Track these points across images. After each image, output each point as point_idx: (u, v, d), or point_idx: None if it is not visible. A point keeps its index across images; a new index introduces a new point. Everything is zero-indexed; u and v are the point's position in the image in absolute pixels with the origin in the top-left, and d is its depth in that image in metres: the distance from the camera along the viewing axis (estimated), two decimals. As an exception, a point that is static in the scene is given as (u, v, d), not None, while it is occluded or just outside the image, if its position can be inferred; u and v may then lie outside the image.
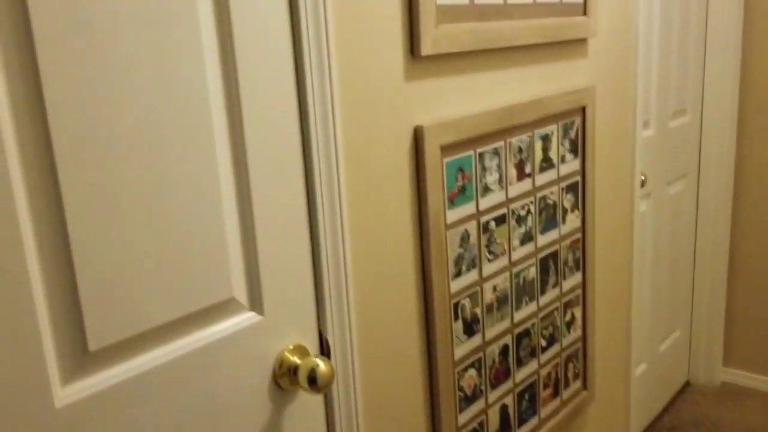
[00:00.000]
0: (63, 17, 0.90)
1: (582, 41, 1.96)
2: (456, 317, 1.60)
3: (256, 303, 1.21)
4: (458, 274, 1.59)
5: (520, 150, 1.75)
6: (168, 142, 1.03)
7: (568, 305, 2.03)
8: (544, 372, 1.95)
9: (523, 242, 1.80)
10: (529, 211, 1.81)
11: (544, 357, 1.94)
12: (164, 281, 1.05)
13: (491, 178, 1.66)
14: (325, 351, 1.32)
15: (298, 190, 1.24)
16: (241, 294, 1.18)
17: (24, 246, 0.89)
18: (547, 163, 1.86)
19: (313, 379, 1.20)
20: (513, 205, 1.75)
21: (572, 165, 1.97)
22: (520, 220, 1.78)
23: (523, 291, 1.83)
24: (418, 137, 1.46)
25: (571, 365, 2.08)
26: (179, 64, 1.03)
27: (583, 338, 2.13)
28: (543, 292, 1.91)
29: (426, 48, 1.42)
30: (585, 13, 1.92)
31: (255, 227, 1.17)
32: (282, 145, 1.20)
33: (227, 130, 1.12)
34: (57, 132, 0.91)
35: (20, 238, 0.88)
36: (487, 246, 1.68)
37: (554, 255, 1.93)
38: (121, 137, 0.97)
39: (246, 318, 1.20)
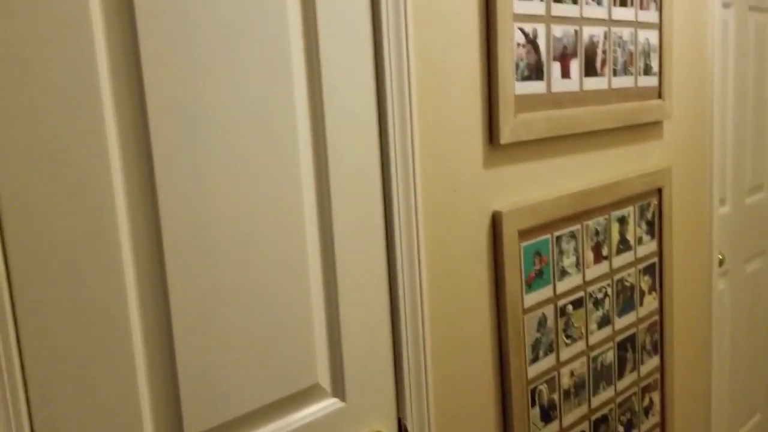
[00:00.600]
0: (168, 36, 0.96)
1: (657, 123, 1.97)
2: (533, 403, 1.58)
3: (339, 389, 1.23)
4: (536, 359, 1.58)
5: (597, 232, 1.75)
6: (262, 227, 1.08)
7: (646, 390, 1.98)
8: (622, 459, 1.90)
9: (600, 326, 1.78)
10: (606, 294, 1.80)
11: (622, 444, 1.89)
12: (256, 368, 1.08)
13: (568, 261, 1.66)
14: (404, 437, 1.33)
15: (380, 275, 1.27)
16: (325, 380, 1.20)
17: (132, 338, 0.94)
18: (624, 245, 1.85)
19: (394, 468, 1.21)
20: (590, 288, 1.74)
21: (649, 246, 1.95)
22: (597, 303, 1.76)
23: (601, 376, 1.79)
24: (496, 222, 1.48)
25: (649, 452, 2.01)
26: (276, 156, 1.09)
27: (662, 424, 2.07)
28: (620, 376, 1.87)
29: (505, 137, 1.46)
30: (660, 96, 1.93)
31: (339, 314, 1.20)
32: (366, 230, 1.23)
33: (317, 216, 1.16)
34: (169, 247, 0.96)
35: (129, 329, 0.93)
36: (565, 330, 1.66)
37: (632, 338, 1.90)
38: (222, 236, 1.02)
39: (329, 404, 1.22)
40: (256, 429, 1.11)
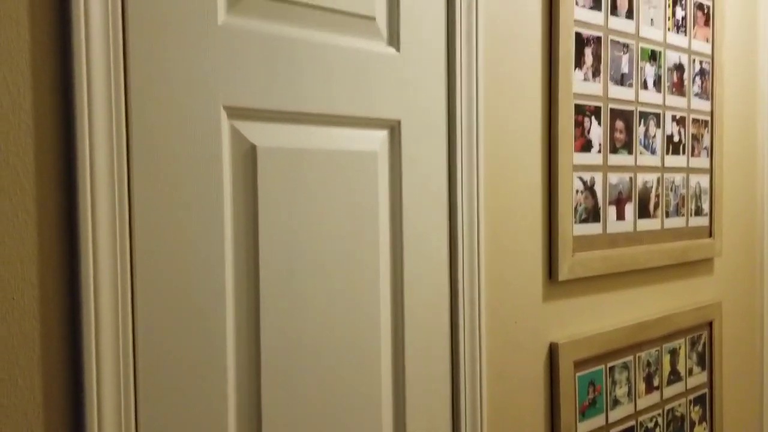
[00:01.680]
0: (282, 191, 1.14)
1: (708, 260, 2.08)
2: None
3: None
4: (587, 485, 1.66)
5: (649, 364, 1.85)
6: (344, 352, 1.23)
7: None
8: None
9: (650, 455, 1.85)
10: (657, 424, 1.87)
11: None
12: (334, 483, 1.21)
13: (620, 391, 1.76)
14: None
15: (444, 397, 1.39)
16: (392, 495, 1.32)
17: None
18: (674, 376, 1.93)
19: None
20: (641, 418, 1.82)
21: (700, 377, 2.03)
22: (648, 432, 1.84)
23: (651, 504, 1.85)
24: (553, 353, 1.60)
25: None
26: (360, 293, 1.25)
27: None
28: (671, 506, 1.91)
29: (563, 274, 1.60)
30: (711, 235, 2.05)
31: (406, 421, 1.33)
32: (434, 357, 1.37)
33: (391, 346, 1.31)
34: (266, 371, 1.13)
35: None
36: (616, 458, 1.74)
37: (682, 468, 1.95)
38: (310, 360, 1.18)
39: None
40: None
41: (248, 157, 1.11)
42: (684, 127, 1.96)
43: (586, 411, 1.67)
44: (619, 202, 1.76)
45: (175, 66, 1.02)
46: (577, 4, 1.60)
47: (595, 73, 1.67)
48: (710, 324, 2.07)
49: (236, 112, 1.10)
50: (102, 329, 0.94)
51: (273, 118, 1.14)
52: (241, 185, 1.11)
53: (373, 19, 1.26)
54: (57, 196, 0.91)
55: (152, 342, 1.01)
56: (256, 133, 1.12)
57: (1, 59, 0.86)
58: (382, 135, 1.30)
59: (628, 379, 1.78)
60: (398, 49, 1.30)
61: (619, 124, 1.75)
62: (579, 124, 1.63)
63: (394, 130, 1.31)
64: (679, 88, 1.93)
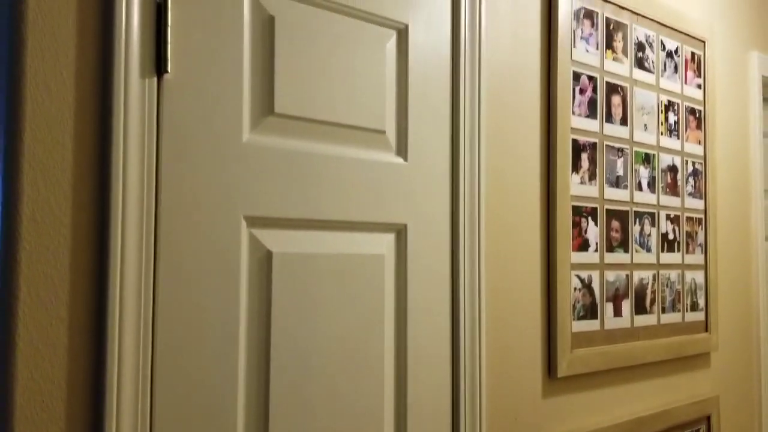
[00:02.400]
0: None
1: (705, 354, 2.13)
2: None
3: None
4: None
5: (647, 458, 1.87)
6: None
7: None
8: None
9: None
10: None
11: None
12: None
13: (619, 487, 1.78)
14: None
15: (448, 498, 1.43)
16: None
17: None
18: (673, 471, 1.96)
19: None
20: None
21: (699, 472, 2.04)
22: None
23: None
24: (552, 448, 1.64)
25: None
26: (365, 387, 1.31)
27: None
28: None
29: (562, 371, 1.65)
30: (707, 329, 2.11)
31: None
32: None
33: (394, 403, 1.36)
34: None
35: None
36: None
37: None
38: (321, 456, 1.23)
39: None
40: None
41: (264, 261, 1.19)
42: (678, 225, 2.04)
43: (586, 507, 1.69)
44: (617, 299, 1.82)
45: (202, 180, 1.11)
46: (573, 113, 1.71)
47: (592, 176, 1.76)
48: (708, 418, 2.10)
49: (255, 221, 1.18)
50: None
51: (289, 225, 1.23)
52: (257, 288, 1.18)
53: (383, 132, 1.36)
54: (87, 291, 0.98)
55: (169, 441, 1.06)
56: (273, 239, 1.20)
57: (48, 180, 0.95)
58: (389, 238, 1.38)
59: (627, 474, 1.81)
60: (406, 159, 1.40)
61: (615, 223, 1.83)
62: (576, 225, 1.72)
63: (401, 233, 1.39)
64: (673, 188, 2.02)
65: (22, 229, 0.93)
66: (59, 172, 0.96)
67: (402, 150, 1.40)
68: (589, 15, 1.77)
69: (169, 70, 1.05)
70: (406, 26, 1.39)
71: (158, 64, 1.05)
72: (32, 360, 0.93)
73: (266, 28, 1.19)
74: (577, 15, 1.73)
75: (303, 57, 1.23)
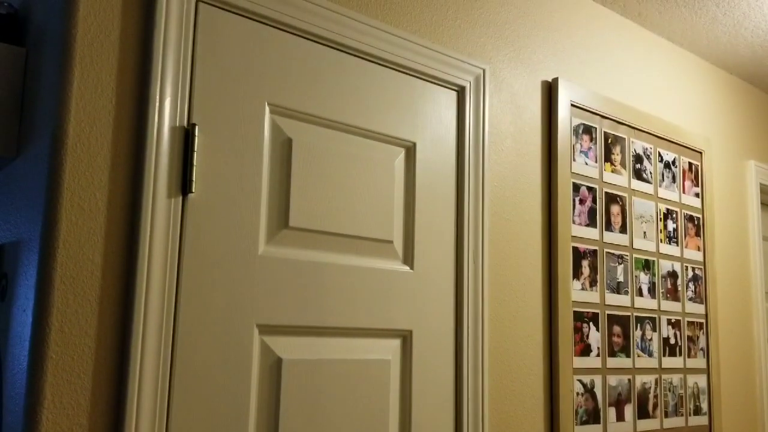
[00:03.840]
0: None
1: (710, 460, 2.13)
2: None
3: None
4: None
5: None
6: None
7: None
8: None
9: None
10: None
11: None
12: None
13: None
14: None
15: None
16: None
17: None
18: None
19: None
20: None
21: None
22: None
23: None
24: None
25: None
26: None
27: None
28: None
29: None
30: (711, 435, 2.11)
31: None
32: None
33: None
34: None
35: None
36: None
37: None
38: None
39: None
40: None
41: (274, 367, 1.24)
42: (679, 329, 2.08)
43: None
44: (619, 404, 1.85)
45: (219, 291, 1.18)
46: (574, 222, 1.79)
47: (592, 282, 1.82)
48: None
49: (267, 329, 1.24)
50: None
51: (299, 332, 1.29)
52: (267, 392, 1.23)
53: (390, 242, 1.43)
54: (107, 398, 1.04)
55: None
56: (283, 346, 1.26)
57: (77, 294, 1.02)
58: (395, 344, 1.43)
59: None
60: (412, 267, 1.47)
61: (617, 328, 1.87)
62: (578, 330, 1.76)
63: (406, 339, 1.44)
64: (673, 294, 2.07)
65: (50, 339, 1.00)
66: (88, 287, 1.04)
67: (408, 258, 1.47)
68: (588, 130, 1.87)
69: (194, 190, 1.14)
70: (414, 144, 1.49)
71: (184, 184, 1.14)
72: (52, 466, 0.98)
73: (284, 149, 1.29)
74: (576, 130, 1.83)
75: (317, 174, 1.32)
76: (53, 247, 1.01)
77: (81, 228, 1.04)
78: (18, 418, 1.00)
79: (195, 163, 1.14)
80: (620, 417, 1.85)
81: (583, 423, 1.74)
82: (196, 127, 1.15)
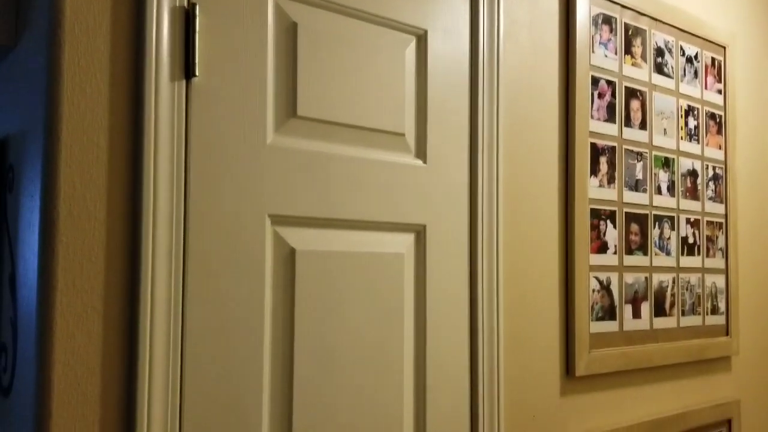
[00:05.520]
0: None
1: (726, 358, 2.13)
2: None
3: None
4: None
5: (666, 460, 1.88)
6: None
7: None
8: None
9: None
10: None
11: None
12: None
13: (638, 488, 1.79)
14: None
15: (466, 493, 1.46)
16: None
17: None
18: (693, 474, 1.96)
19: None
20: None
21: (720, 476, 2.04)
22: None
23: None
24: (570, 447, 1.66)
25: None
26: (386, 381, 1.35)
27: None
28: None
29: (580, 370, 1.67)
30: (728, 333, 2.11)
31: None
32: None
33: (413, 425, 1.40)
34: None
35: None
36: None
37: None
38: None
39: None
40: None
41: (288, 258, 1.24)
42: (698, 229, 2.05)
43: (603, 506, 1.71)
44: (635, 301, 1.84)
45: (229, 179, 1.16)
46: (592, 117, 1.74)
47: (610, 179, 1.78)
48: (729, 422, 2.10)
49: (279, 219, 1.23)
50: (153, 419, 1.05)
51: (311, 224, 1.27)
52: (281, 283, 1.23)
53: (402, 135, 1.40)
54: (120, 284, 1.04)
55: (197, 427, 1.11)
56: (296, 237, 1.25)
57: (84, 177, 1.01)
58: (408, 239, 1.42)
59: (646, 476, 1.82)
60: (425, 161, 1.44)
61: (634, 227, 1.85)
62: (595, 228, 1.74)
63: (420, 234, 1.43)
64: (692, 193, 2.04)
65: (59, 223, 0.99)
66: (94, 170, 1.02)
67: (421, 152, 1.44)
68: (608, 21, 1.79)
69: (197, 73, 1.11)
70: (425, 32, 1.44)
71: (187, 68, 1.10)
72: (68, 347, 0.99)
73: (289, 33, 1.24)
74: (595, 21, 1.76)
75: (325, 61, 1.28)
76: (57, 131, 0.99)
77: (84, 111, 1.01)
78: (32, 302, 1.01)
79: (197, 45, 1.11)
80: (636, 314, 1.84)
81: (598, 319, 1.74)
82: (197, 7, 1.11)
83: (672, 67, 1.99)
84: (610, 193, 1.78)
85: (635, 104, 1.86)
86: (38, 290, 0.99)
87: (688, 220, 2.02)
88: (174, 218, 1.09)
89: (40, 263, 0.99)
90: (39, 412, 0.98)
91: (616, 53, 1.81)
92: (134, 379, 1.04)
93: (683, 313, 1.98)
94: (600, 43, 1.77)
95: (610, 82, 1.79)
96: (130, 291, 1.05)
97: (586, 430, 1.71)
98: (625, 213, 1.83)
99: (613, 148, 1.80)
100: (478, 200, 1.51)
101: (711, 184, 2.10)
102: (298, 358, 1.23)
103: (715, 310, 2.09)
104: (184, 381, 1.10)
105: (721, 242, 2.13)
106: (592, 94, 1.74)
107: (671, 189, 1.97)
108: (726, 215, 2.15)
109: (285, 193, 1.23)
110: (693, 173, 2.04)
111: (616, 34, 1.81)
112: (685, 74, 2.03)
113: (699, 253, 2.05)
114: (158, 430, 1.05)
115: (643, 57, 1.89)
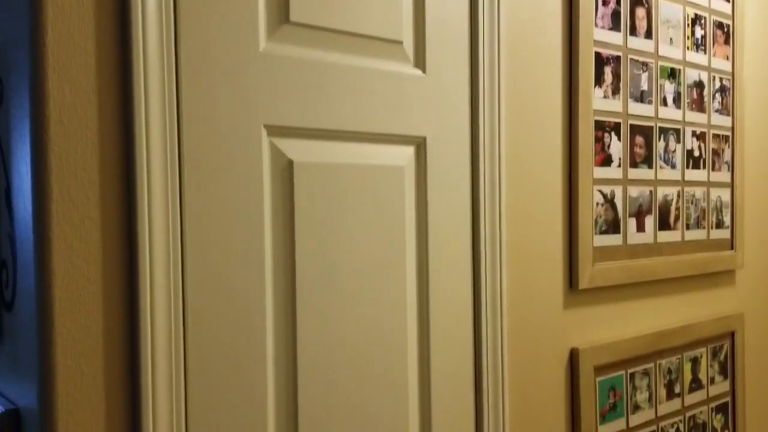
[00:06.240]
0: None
1: (730, 272, 2.13)
2: None
3: (429, 498, 1.42)
4: (608, 487, 1.72)
5: (670, 371, 1.90)
6: (373, 344, 1.32)
7: None
8: None
9: (671, 460, 1.90)
10: (678, 430, 1.92)
11: None
12: (363, 474, 1.31)
13: (641, 397, 1.82)
14: None
15: (467, 395, 1.48)
16: (417, 489, 1.41)
17: (267, 411, 1.19)
18: (696, 384, 1.99)
19: None
20: (662, 423, 1.88)
21: (722, 386, 2.07)
22: (668, 438, 1.89)
23: None
24: (574, 358, 1.68)
25: None
26: (388, 293, 1.35)
27: None
28: None
29: (583, 283, 1.67)
30: (732, 247, 2.10)
31: (432, 423, 1.42)
32: (457, 363, 1.46)
33: (417, 344, 1.40)
34: (302, 358, 1.23)
35: (266, 406, 1.19)
36: (636, 462, 1.80)
37: (704, 475, 2.00)
38: (343, 350, 1.28)
39: None
40: None
41: (286, 171, 1.22)
42: (704, 142, 2.02)
43: (607, 415, 1.73)
44: (640, 215, 1.83)
45: (221, 88, 1.13)
46: (596, 25, 1.69)
47: (615, 90, 1.75)
48: (732, 334, 2.11)
49: (275, 130, 1.20)
50: (156, 325, 1.05)
51: (308, 135, 1.25)
52: (280, 197, 1.21)
53: (400, 43, 1.36)
54: (116, 192, 1.03)
55: (201, 336, 1.11)
56: (293, 149, 1.23)
57: (73, 84, 0.98)
58: (408, 151, 1.39)
59: (649, 386, 1.84)
60: (424, 71, 1.40)
61: (639, 139, 1.82)
62: (599, 140, 1.71)
63: (420, 146, 1.41)
64: (698, 105, 2.00)
65: (50, 131, 0.97)
66: (83, 77, 0.99)
67: (420, 62, 1.40)
68: (612, -77, 1.72)
69: (185, -24, 1.07)
70: (423, -66, 1.38)
71: (174, -30, 1.06)
72: (67, 256, 0.98)
73: (280, -65, 1.19)
74: (599, -76, 1.69)
75: (318, -35, 1.24)
76: (42, 36, 0.96)
77: (70, 15, 0.98)
78: (28, 214, 1.00)
79: (184, -55, 1.06)
80: (641, 228, 1.83)
81: (602, 232, 1.73)
82: None
83: (679, -26, 1.92)
84: (614, 105, 1.75)
85: (641, 12, 1.81)
86: (33, 201, 0.98)
87: (693, 133, 1.98)
88: (167, 128, 1.07)
89: (34, 174, 0.98)
90: (42, 322, 0.98)
91: (621, -42, 1.75)
92: (136, 284, 1.04)
93: (688, 227, 1.97)
94: (604, -53, 1.71)
95: (614, -11, 1.74)
96: (126, 199, 1.04)
97: (589, 342, 1.72)
98: (630, 125, 1.80)
99: (618, 57, 1.75)
100: (479, 112, 1.48)
101: (717, 96, 2.06)
102: (300, 270, 1.23)
103: (720, 224, 2.07)
104: (186, 286, 1.10)
105: (727, 156, 2.10)
106: (596, 1, 1.69)
107: (677, 101, 1.93)
108: (732, 128, 2.12)
109: (280, 104, 1.20)
110: (699, 84, 2.00)
111: (621, -62, 1.75)
112: (692, -19, 1.96)
113: (704, 167, 2.02)
114: (162, 330, 1.06)
115: (649, -38, 1.83)
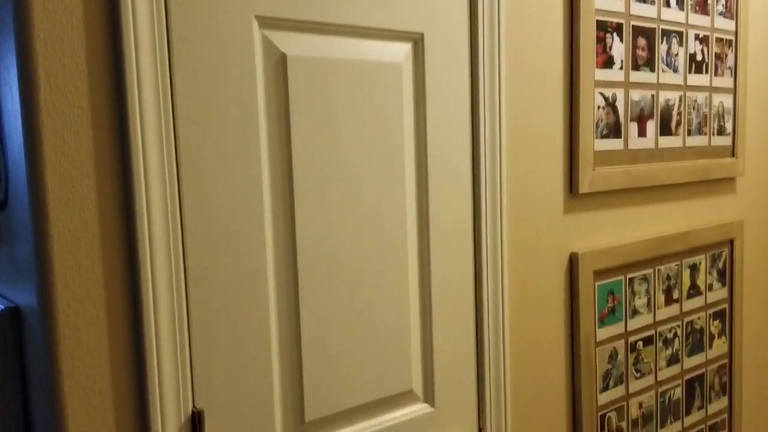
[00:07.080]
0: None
1: (730, 179, 2.12)
2: (602, 428, 1.75)
3: (429, 396, 1.44)
4: (606, 387, 1.75)
5: (669, 277, 1.91)
6: (374, 257, 1.32)
7: (713, 429, 2.09)
8: (688, 493, 2.01)
9: (669, 363, 1.93)
10: (676, 334, 1.94)
11: (688, 478, 2.01)
12: (363, 371, 1.32)
13: (640, 302, 1.83)
14: (484, 445, 1.52)
15: (468, 307, 1.48)
16: (417, 387, 1.42)
17: (270, 343, 1.19)
18: (694, 290, 2.00)
19: (475, 468, 1.40)
20: (660, 328, 1.90)
21: (720, 293, 2.08)
22: (667, 342, 1.91)
23: (669, 410, 1.93)
24: (573, 262, 1.68)
25: (716, 490, 2.12)
26: (388, 199, 1.33)
27: (730, 464, 2.17)
28: (688, 413, 2.00)
29: (584, 187, 1.66)
30: (734, 154, 2.08)
31: (432, 340, 1.42)
32: (458, 268, 1.46)
33: (417, 251, 1.40)
34: (302, 266, 1.22)
35: (269, 337, 1.19)
36: (635, 364, 1.82)
37: (700, 378, 2.03)
38: (343, 260, 1.27)
39: (420, 408, 1.43)
40: (358, 423, 1.33)
41: (279, 64, 1.19)
42: (707, 46, 1.97)
43: (606, 319, 1.74)
44: (641, 119, 1.80)
45: (210, -24, 1.09)
46: None
47: (617, -10, 1.69)
48: (731, 242, 2.11)
49: (267, 22, 1.16)
50: (153, 214, 1.04)
51: (301, 28, 1.21)
52: (273, 92, 1.18)
53: (396, -67, 1.31)
54: (109, 97, 1.00)
55: (198, 230, 1.10)
56: (286, 42, 1.19)
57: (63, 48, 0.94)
58: (406, 48, 1.36)
59: (648, 291, 1.85)
60: (421, -36, 1.35)
61: (641, 41, 1.77)
62: (601, 41, 1.67)
63: (418, 43, 1.37)
64: (702, 7, 1.94)
65: (35, 17, 0.93)
66: (71, 26, 0.95)
67: (417, -46, 1.35)
68: None
69: None
70: None
71: None
72: (58, 147, 0.96)
73: None
74: None
75: None
76: None
77: None
78: (15, 106, 0.97)
79: None
80: (642, 133, 1.81)
81: (603, 136, 1.70)
82: None
83: None
84: (617, 4, 1.70)
85: None
86: (20, 92, 0.95)
87: (696, 36, 1.94)
88: (155, 9, 1.03)
89: (19, 63, 0.94)
90: (36, 216, 0.96)
91: None
92: (130, 176, 1.02)
93: (689, 133, 1.94)
94: None
95: None
96: (116, 91, 1.01)
97: (589, 246, 1.72)
98: (633, 26, 1.75)
99: (621, -45, 1.69)
100: (478, 8, 1.43)
101: (722, -3, 2.00)
102: (297, 170, 1.21)
103: (721, 131, 2.05)
104: (180, 172, 1.08)
105: (730, 61, 2.06)
106: None
107: (680, 2, 1.87)
108: (736, 32, 2.07)
109: (273, -6, 1.16)
110: (704, -15, 1.94)
111: None
112: None
113: (707, 72, 1.98)
114: (158, 218, 1.05)
115: None
